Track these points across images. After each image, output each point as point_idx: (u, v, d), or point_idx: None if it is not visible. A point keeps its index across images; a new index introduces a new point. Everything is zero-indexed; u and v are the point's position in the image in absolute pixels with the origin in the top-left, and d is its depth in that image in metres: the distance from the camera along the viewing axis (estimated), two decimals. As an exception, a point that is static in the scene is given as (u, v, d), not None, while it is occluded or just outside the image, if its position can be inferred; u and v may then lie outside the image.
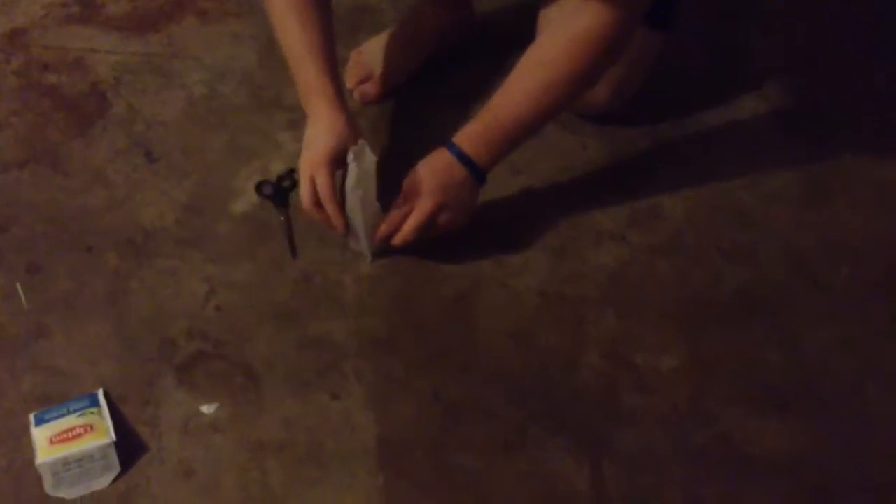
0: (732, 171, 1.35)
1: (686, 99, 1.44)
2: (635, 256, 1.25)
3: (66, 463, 1.00)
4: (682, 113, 1.42)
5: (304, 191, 1.15)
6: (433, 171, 1.16)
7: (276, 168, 1.32)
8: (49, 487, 1.00)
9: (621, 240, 1.27)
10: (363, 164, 1.11)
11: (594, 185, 1.34)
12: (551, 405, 1.09)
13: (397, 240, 1.16)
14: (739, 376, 1.13)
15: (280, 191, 1.29)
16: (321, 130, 1.16)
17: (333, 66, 1.19)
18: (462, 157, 1.16)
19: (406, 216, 1.15)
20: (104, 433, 1.02)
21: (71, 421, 1.03)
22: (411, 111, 1.42)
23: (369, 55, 1.44)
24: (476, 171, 1.17)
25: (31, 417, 1.04)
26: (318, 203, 1.15)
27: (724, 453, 1.06)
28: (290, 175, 1.31)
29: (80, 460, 1.00)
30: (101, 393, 1.07)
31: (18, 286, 1.17)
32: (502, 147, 1.18)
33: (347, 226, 1.17)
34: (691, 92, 1.45)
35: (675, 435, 1.07)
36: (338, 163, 1.15)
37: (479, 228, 1.23)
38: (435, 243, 1.19)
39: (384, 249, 1.20)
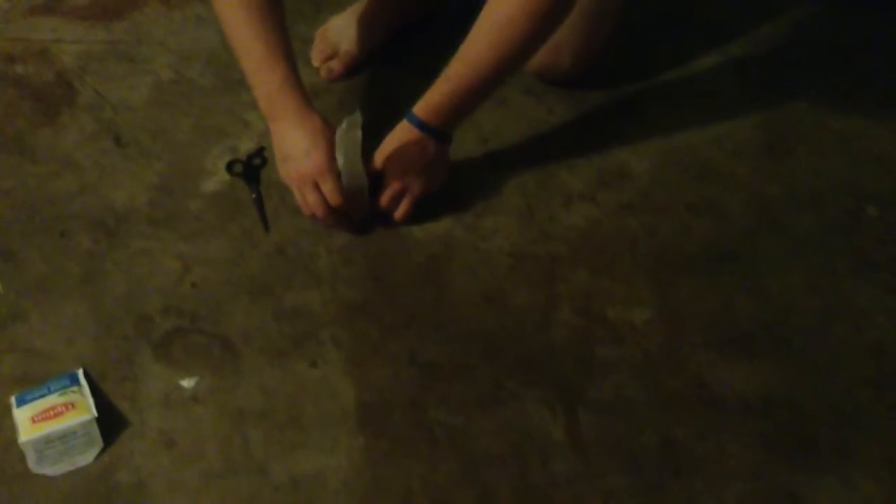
0: (695, 128, 1.37)
1: (647, 59, 1.46)
2: (604, 215, 1.27)
3: (48, 440, 1.01)
4: (644, 74, 1.44)
5: (312, 201, 1.16)
6: (407, 152, 1.18)
7: (246, 147, 1.33)
8: (33, 465, 1.01)
9: (590, 199, 1.29)
10: (350, 134, 1.13)
11: (561, 149, 1.36)
12: (526, 360, 1.11)
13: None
14: (710, 323, 1.15)
15: (250, 168, 1.30)
16: (304, 136, 1.16)
17: (296, 68, 1.19)
18: (426, 129, 1.17)
19: (399, 200, 1.20)
20: (86, 410, 1.03)
21: (52, 400, 1.04)
22: (378, 86, 1.43)
23: (334, 32, 1.45)
24: (443, 137, 1.19)
25: (13, 399, 1.05)
26: (329, 210, 1.18)
27: (697, 396, 1.08)
28: (260, 153, 1.32)
29: (63, 437, 1.01)
30: (81, 372, 1.08)
31: (-7, 273, 1.17)
32: (466, 109, 1.18)
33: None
34: (652, 52, 1.47)
35: (648, 382, 1.09)
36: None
37: (448, 196, 1.25)
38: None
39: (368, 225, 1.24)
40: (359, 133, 1.15)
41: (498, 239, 1.24)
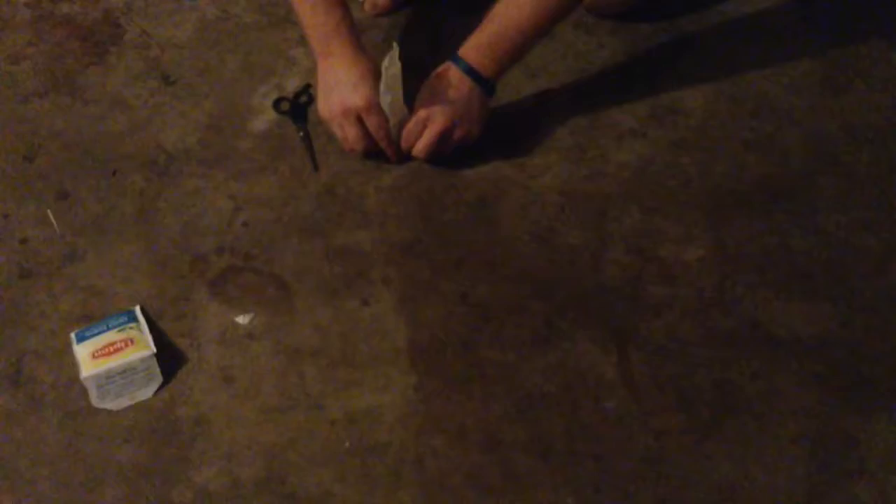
0: (752, 62, 1.33)
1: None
2: (657, 152, 1.25)
3: (109, 375, 1.03)
4: (697, 5, 1.40)
5: (353, 135, 1.17)
6: (441, 87, 1.16)
7: (292, 84, 1.32)
8: (95, 400, 1.04)
9: (642, 136, 1.27)
10: (391, 69, 1.12)
11: (612, 84, 1.33)
12: (578, 299, 1.11)
13: (414, 154, 1.20)
14: (765, 262, 1.13)
15: (297, 107, 1.30)
16: (355, 72, 1.15)
17: (349, 10, 1.18)
18: (469, 71, 1.16)
19: (422, 131, 1.18)
20: (145, 346, 1.05)
21: (111, 336, 1.06)
22: (422, 21, 1.41)
23: (379, -34, 1.42)
24: (484, 84, 1.17)
25: (73, 336, 1.08)
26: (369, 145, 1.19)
27: (752, 337, 1.07)
28: (307, 90, 1.31)
29: (124, 372, 1.04)
30: (138, 309, 1.10)
31: (49, 213, 1.19)
32: (509, 55, 1.17)
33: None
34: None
35: (701, 322, 1.08)
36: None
37: (497, 133, 1.23)
38: (454, 151, 1.20)
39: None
40: (398, 65, 1.13)
41: (548, 177, 1.23)
